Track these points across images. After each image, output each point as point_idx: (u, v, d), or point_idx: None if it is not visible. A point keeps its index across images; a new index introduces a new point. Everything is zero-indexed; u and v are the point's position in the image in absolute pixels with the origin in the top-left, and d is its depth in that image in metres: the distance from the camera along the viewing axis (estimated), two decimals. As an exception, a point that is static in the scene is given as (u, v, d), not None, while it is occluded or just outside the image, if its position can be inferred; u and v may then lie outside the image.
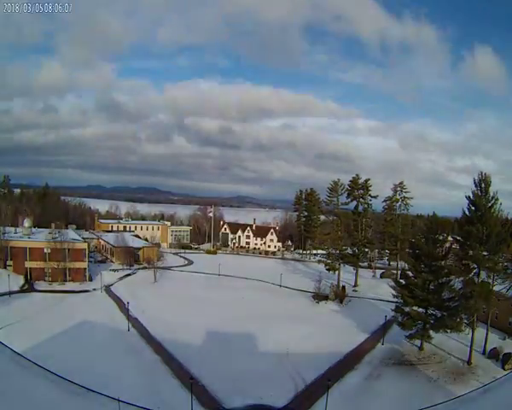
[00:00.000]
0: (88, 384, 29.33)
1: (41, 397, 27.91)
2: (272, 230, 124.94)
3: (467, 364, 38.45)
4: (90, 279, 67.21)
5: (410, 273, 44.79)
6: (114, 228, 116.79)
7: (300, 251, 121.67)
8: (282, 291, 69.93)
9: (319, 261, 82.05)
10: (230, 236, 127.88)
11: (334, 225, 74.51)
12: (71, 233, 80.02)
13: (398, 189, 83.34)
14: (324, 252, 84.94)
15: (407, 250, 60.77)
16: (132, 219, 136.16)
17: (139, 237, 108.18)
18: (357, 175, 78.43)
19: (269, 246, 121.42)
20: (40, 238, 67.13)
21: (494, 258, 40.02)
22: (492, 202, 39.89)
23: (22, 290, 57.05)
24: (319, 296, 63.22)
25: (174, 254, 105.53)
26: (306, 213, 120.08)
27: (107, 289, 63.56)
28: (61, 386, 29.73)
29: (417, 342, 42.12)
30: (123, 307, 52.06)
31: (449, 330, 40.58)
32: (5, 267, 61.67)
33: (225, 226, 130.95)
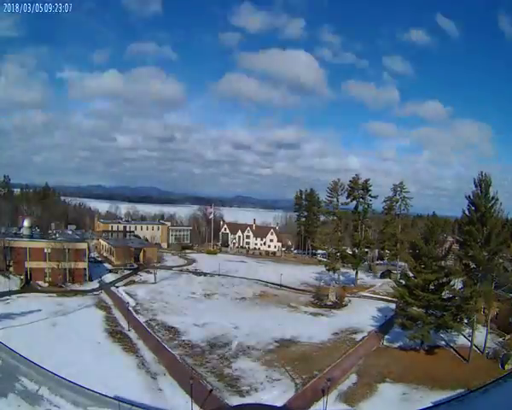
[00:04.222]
0: (87, 384, 29.28)
1: (39, 397, 27.89)
2: (272, 230, 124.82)
3: (467, 363, 38.46)
4: (90, 279, 67.20)
5: (410, 273, 44.83)
6: (114, 228, 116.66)
7: (300, 251, 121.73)
8: (282, 291, 69.93)
9: (319, 261, 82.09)
10: (230, 236, 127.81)
11: (334, 226, 74.54)
12: (71, 233, 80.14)
13: (398, 189, 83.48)
14: (324, 252, 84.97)
15: (407, 250, 60.84)
16: (132, 220, 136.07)
17: (139, 238, 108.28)
18: (356, 175, 78.56)
19: (269, 246, 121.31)
20: (40, 238, 67.14)
21: (494, 258, 40.07)
22: (492, 202, 39.92)
23: (22, 290, 57.00)
24: (319, 296, 63.26)
25: (173, 254, 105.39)
26: (306, 214, 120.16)
27: (107, 289, 63.55)
28: (60, 386, 29.68)
29: (417, 341, 42.12)
30: (123, 307, 52.02)
31: (449, 331, 40.72)
32: (6, 268, 61.60)
33: (225, 226, 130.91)
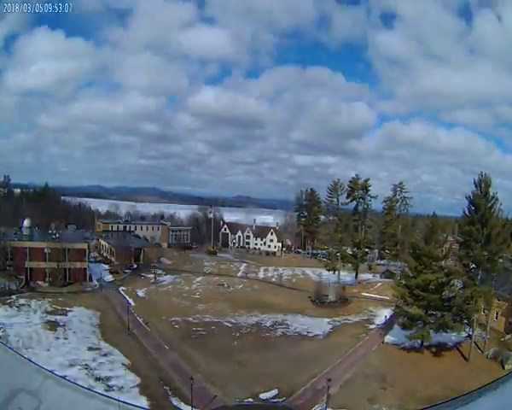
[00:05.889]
0: (87, 384, 29.32)
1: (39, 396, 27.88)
2: (272, 230, 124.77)
3: (467, 363, 38.45)
4: (90, 279, 67.10)
5: (410, 273, 44.84)
6: (114, 228, 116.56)
7: (301, 251, 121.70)
8: (282, 291, 69.88)
9: (320, 261, 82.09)
10: (231, 236, 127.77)
11: (334, 226, 74.54)
12: (71, 233, 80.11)
13: (398, 189, 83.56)
14: (325, 252, 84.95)
15: (407, 250, 60.89)
16: (132, 220, 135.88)
17: (139, 238, 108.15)
18: (356, 175, 78.60)
19: (269, 246, 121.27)
20: (40, 238, 67.11)
21: (494, 258, 40.08)
22: (492, 202, 39.96)
23: (22, 290, 56.95)
24: (319, 296, 63.25)
25: (173, 254, 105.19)
26: (307, 214, 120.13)
27: (107, 289, 63.50)
28: (60, 386, 29.69)
29: (418, 341, 42.13)
30: (123, 307, 52.01)
31: (449, 331, 40.69)
32: (5, 268, 61.56)
33: (225, 226, 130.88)
